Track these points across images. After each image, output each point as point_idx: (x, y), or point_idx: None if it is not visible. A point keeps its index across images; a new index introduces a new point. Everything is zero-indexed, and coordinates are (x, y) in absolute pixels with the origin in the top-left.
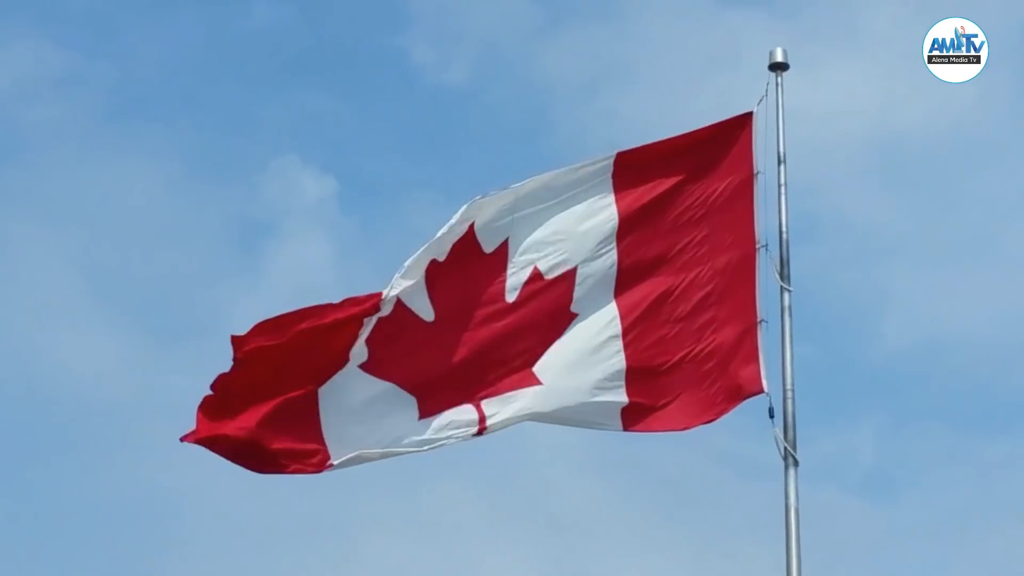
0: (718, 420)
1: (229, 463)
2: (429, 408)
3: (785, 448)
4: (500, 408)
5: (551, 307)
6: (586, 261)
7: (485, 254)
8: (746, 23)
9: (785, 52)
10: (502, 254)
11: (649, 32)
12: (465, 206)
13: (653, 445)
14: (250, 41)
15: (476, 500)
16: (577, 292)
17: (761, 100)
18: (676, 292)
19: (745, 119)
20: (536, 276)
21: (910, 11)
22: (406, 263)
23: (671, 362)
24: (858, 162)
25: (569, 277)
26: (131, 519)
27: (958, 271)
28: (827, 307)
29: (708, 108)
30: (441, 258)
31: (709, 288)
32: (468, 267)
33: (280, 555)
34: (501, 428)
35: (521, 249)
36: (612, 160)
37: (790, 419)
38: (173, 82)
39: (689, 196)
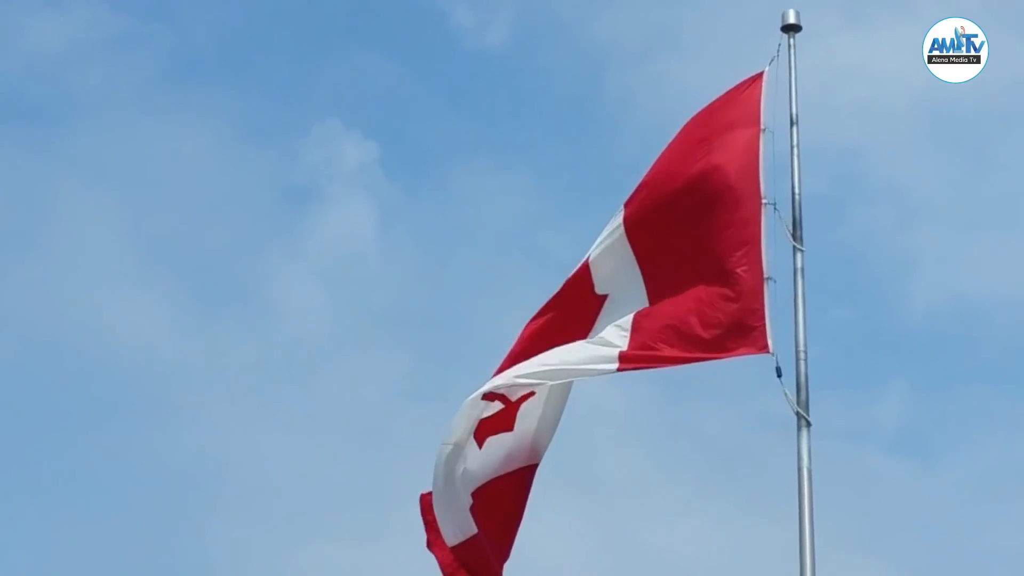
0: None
1: (277, 429)
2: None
3: (797, 410)
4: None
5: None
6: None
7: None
8: None
9: (797, 14)
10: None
11: None
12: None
13: (697, 408)
14: (298, 5)
15: None
16: (596, 275)
17: (773, 60)
18: (694, 247)
19: (756, 78)
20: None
21: None
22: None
23: (677, 311)
24: (905, 124)
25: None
26: (179, 480)
27: (997, 233)
28: (868, 268)
29: (758, 71)
30: None
31: (718, 242)
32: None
33: (321, 519)
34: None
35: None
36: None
37: (803, 380)
38: (223, 46)
39: (701, 158)
